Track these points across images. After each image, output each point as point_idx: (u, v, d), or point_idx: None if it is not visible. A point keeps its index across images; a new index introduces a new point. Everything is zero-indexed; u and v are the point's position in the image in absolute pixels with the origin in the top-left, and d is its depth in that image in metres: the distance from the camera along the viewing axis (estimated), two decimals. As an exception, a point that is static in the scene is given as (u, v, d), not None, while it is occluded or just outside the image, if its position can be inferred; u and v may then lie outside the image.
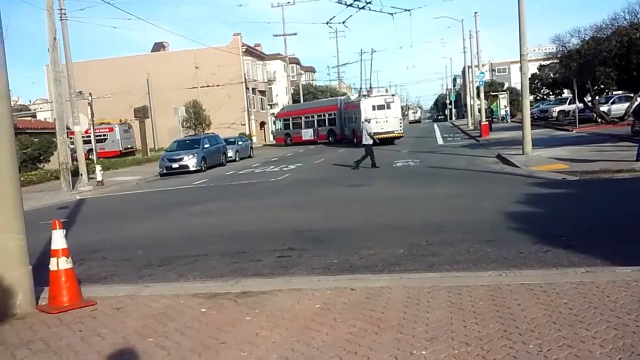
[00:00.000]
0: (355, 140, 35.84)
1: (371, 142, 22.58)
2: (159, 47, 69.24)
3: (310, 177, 21.27)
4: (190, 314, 5.73)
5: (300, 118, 50.19)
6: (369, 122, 25.37)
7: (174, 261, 8.84)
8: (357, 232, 9.99)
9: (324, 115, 48.05)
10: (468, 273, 6.70)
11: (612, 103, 38.52)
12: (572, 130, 32.11)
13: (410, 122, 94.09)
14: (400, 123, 38.25)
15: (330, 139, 46.95)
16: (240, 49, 61.24)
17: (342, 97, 54.14)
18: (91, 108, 33.07)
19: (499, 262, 7.13)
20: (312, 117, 49.22)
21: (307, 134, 49.18)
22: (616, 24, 22.19)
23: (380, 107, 37.23)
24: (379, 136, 31.25)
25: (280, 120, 53.46)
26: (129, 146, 49.94)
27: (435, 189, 14.96)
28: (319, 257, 8.25)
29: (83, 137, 26.01)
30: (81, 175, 24.11)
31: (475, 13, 44.55)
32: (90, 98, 34.87)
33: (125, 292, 6.84)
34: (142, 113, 44.23)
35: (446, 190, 14.56)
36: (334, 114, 47.06)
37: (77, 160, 25.54)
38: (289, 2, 58.00)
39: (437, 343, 4.42)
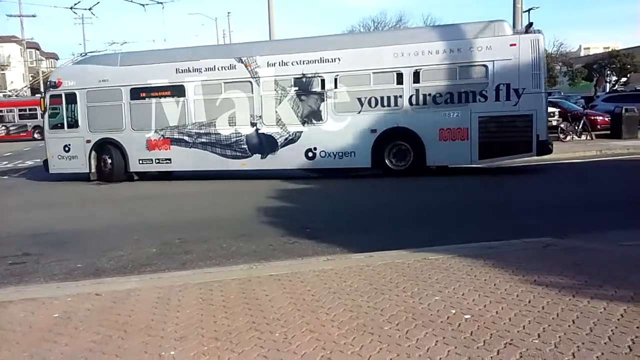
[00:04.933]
0: None
1: None
2: None
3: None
4: None
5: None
6: None
7: None
8: (105, 233, 9.38)
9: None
10: (220, 268, 6.75)
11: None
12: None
13: None
14: None
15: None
16: (-36, 27, 53.13)
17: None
18: None
19: (251, 256, 7.35)
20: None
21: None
22: (354, 36, 24.64)
23: None
24: None
25: None
26: None
27: (190, 186, 14.84)
28: (60, 261, 7.55)
29: None
30: None
31: (228, 13, 45.40)
32: None
33: None
34: None
35: (199, 188, 14.54)
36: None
37: None
38: (26, -20, 52.14)
39: (186, 342, 4.35)
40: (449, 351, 3.92)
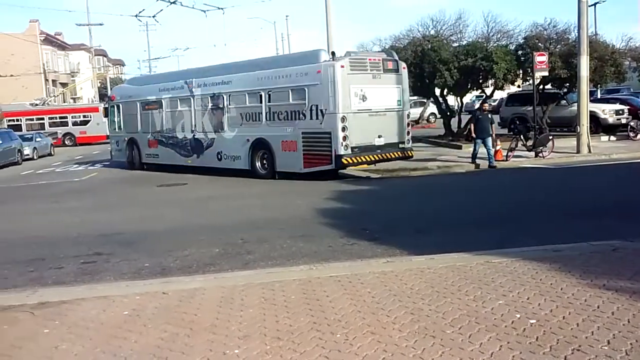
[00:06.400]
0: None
1: None
2: (-64, 29, 60.43)
3: (119, 176, 20.11)
4: (-25, 332, 5.07)
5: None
6: None
7: (-45, 273, 7.76)
8: (170, 233, 9.68)
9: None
10: (281, 268, 6.85)
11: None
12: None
13: None
14: None
15: None
16: (39, 37, 55.92)
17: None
18: None
19: (310, 256, 7.41)
20: None
21: None
22: (411, 35, 24.35)
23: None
24: None
25: None
26: None
27: (252, 188, 15.11)
28: (129, 261, 7.84)
29: None
30: None
31: (286, 16, 45.92)
32: None
33: None
34: None
35: (260, 189, 14.77)
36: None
37: None
38: (94, -10, 54.39)
39: (249, 340, 4.44)
40: (513, 356, 3.84)
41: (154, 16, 31.18)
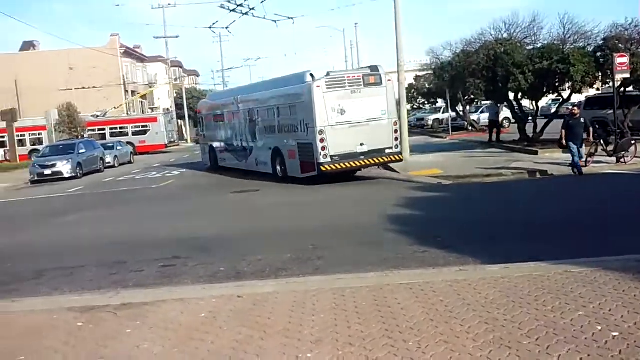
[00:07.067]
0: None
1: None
2: (28, 46, 64.50)
3: (195, 183, 20.80)
4: (65, 329, 5.40)
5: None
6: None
7: (46, 274, 8.27)
8: (244, 239, 9.92)
9: None
10: (352, 275, 6.87)
11: (481, 112, 41.42)
12: (446, 138, 34.06)
13: None
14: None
15: None
16: (119, 50, 58.75)
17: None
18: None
19: (381, 263, 7.40)
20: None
21: None
22: (483, 39, 23.80)
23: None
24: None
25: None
26: (173, 139, 46.59)
27: (319, 194, 15.24)
28: (205, 265, 8.10)
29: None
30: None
31: (355, 24, 46.17)
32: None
33: (-10, 309, 6.30)
34: (9, 116, 40.81)
35: (329, 196, 14.88)
36: None
37: None
38: (170, 4, 56.51)
39: (322, 345, 4.49)
40: (595, 370, 3.70)
41: (227, 27, 32.43)
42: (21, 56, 59.69)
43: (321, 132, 15.86)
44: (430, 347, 4.28)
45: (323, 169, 16.00)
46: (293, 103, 17.15)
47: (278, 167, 18.40)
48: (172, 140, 47.89)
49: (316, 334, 4.76)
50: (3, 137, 43.11)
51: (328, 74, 16.50)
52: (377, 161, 16.88)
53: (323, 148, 15.88)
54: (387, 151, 16.78)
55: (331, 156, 15.98)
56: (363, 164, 16.74)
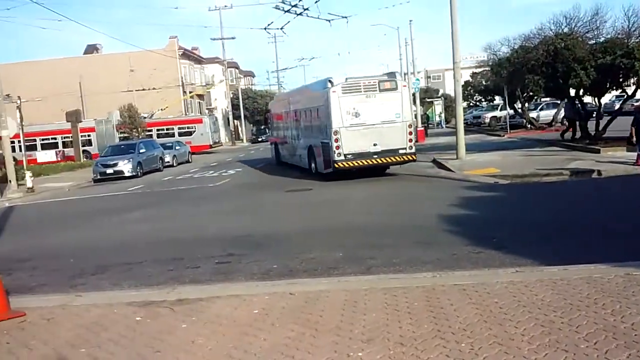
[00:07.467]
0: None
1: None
2: (91, 49, 67.13)
3: (250, 181, 21.14)
4: (124, 323, 5.59)
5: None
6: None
7: (107, 269, 8.59)
8: (296, 237, 10.00)
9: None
10: (404, 275, 6.83)
11: (540, 109, 40.30)
12: (503, 136, 33.31)
13: None
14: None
15: None
16: (177, 52, 60.30)
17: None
18: (20, 112, 31.81)
19: (434, 264, 7.32)
20: None
21: None
22: (542, 34, 23.07)
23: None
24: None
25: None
26: (217, 140, 48.64)
27: (374, 192, 15.20)
28: (259, 262, 8.22)
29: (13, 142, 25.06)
30: (10, 181, 23.03)
31: (410, 21, 45.62)
32: (19, 101, 33.51)
33: (56, 302, 6.60)
34: (74, 117, 42.62)
35: (383, 194, 14.81)
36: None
37: (5, 167, 24.41)
38: (226, 6, 57.55)
39: (373, 344, 4.49)
40: (657, 377, 3.55)
41: (281, 28, 32.55)
42: (85, 59, 62.11)
43: (336, 132, 17.36)
44: (484, 349, 4.21)
45: (337, 165, 17.53)
46: (316, 106, 18.95)
47: (312, 164, 20.08)
48: (217, 141, 49.32)
49: (367, 332, 4.76)
50: (55, 138, 45.13)
51: (346, 79, 18.06)
52: (389, 160, 18.01)
53: (337, 147, 17.38)
54: (401, 151, 17.88)
55: (345, 154, 17.45)
56: (376, 162, 17.83)
